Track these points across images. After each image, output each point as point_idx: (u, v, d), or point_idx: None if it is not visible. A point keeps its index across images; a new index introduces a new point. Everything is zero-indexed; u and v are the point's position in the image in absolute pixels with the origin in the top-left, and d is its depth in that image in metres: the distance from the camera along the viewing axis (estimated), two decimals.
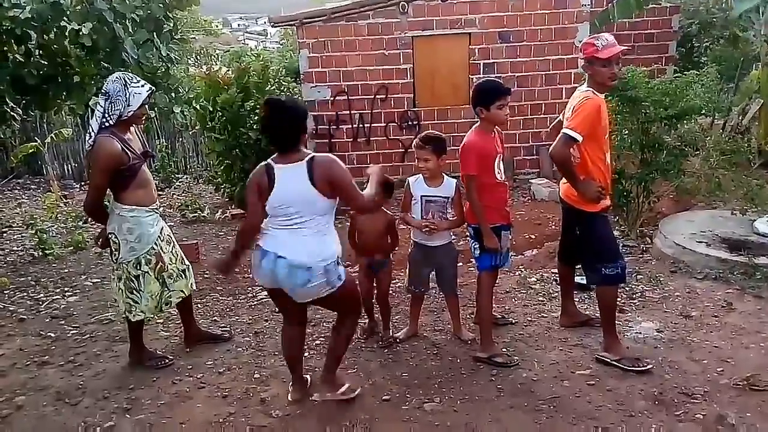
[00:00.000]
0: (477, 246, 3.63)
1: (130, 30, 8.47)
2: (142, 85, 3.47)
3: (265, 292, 4.00)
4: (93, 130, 3.41)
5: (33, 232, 6.37)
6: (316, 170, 2.82)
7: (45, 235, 6.31)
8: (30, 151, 9.61)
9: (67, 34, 8.27)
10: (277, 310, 3.61)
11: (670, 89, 5.26)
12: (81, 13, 8.15)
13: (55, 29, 8.36)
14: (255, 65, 8.56)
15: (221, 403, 3.30)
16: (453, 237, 3.95)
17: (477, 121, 3.60)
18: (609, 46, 3.35)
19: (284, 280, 2.88)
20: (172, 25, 9.63)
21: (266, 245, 2.91)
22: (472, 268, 4.58)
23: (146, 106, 3.53)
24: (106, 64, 8.44)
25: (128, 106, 3.39)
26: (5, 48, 8.51)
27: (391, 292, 4.17)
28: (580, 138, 3.29)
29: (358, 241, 3.95)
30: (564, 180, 3.65)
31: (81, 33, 8.07)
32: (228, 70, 8.43)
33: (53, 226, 7.26)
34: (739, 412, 2.98)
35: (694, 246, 4.96)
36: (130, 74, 3.58)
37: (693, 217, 5.80)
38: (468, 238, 3.78)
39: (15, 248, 6.62)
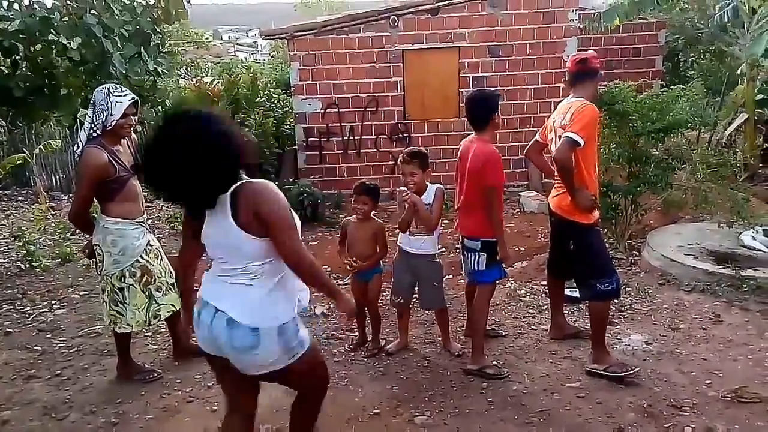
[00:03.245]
0: (483, 259, 3.60)
1: (119, 45, 8.44)
2: (125, 95, 3.46)
3: None
4: (81, 141, 3.43)
5: (20, 243, 6.30)
6: (240, 202, 2.12)
7: (32, 247, 6.25)
8: (18, 162, 9.53)
9: (54, 47, 8.23)
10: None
11: (657, 103, 5.34)
12: (70, 27, 8.12)
13: (43, 42, 8.34)
14: (245, 77, 8.57)
15: (210, 417, 3.27)
16: (443, 249, 3.94)
17: (468, 134, 3.62)
18: None
19: (226, 343, 2.24)
20: (159, 38, 9.61)
21: (203, 293, 2.33)
22: (461, 281, 4.58)
23: (132, 116, 3.50)
24: (95, 77, 8.41)
25: (110, 115, 3.38)
26: None
27: (381, 303, 4.16)
28: (582, 142, 3.32)
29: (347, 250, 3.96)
30: (554, 193, 3.68)
31: (69, 47, 8.03)
32: (218, 82, 8.42)
33: (41, 238, 7.18)
34: (727, 424, 3.00)
35: (681, 258, 5.00)
36: (116, 84, 3.58)
37: (680, 229, 5.85)
38: (464, 252, 3.75)
39: (2, 260, 6.54)
